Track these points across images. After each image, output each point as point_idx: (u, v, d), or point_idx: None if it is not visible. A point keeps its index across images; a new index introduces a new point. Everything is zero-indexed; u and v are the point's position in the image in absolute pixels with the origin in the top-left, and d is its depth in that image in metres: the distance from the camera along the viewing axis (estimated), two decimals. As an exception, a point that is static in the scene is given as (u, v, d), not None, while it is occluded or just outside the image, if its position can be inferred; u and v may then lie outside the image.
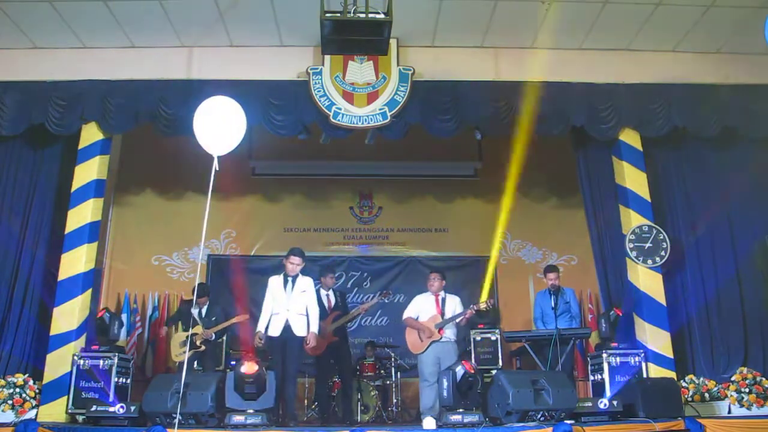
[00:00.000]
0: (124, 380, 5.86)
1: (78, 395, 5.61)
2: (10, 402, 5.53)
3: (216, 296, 7.76)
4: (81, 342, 5.95)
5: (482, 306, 5.87)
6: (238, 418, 4.85)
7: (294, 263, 5.80)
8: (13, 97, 6.36)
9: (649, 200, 6.49)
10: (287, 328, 5.63)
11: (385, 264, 8.83)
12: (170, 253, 8.63)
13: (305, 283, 5.85)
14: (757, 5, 5.92)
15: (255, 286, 7.87)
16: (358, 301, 8.15)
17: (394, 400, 7.21)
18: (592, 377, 6.18)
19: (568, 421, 4.72)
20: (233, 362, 6.18)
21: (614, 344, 6.02)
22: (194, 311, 6.38)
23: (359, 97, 6.42)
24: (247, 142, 8.66)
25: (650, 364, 5.93)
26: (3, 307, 6.15)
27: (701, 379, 6.02)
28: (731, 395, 5.80)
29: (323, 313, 6.74)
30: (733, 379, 5.89)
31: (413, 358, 6.41)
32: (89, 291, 6.16)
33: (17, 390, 5.60)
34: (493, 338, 7.29)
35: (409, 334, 6.01)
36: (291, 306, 5.70)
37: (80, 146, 6.45)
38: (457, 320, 5.89)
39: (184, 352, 6.13)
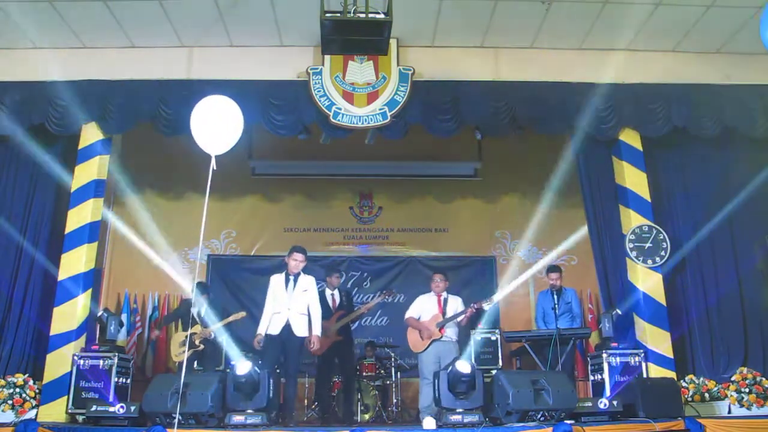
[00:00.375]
0: (124, 380, 5.86)
1: (78, 395, 5.61)
2: (10, 402, 5.53)
3: (216, 296, 7.77)
4: (81, 342, 5.95)
5: (485, 305, 5.89)
6: (238, 418, 4.85)
7: (297, 260, 5.80)
8: (13, 97, 6.36)
9: (649, 200, 6.49)
10: (287, 327, 5.63)
11: (385, 264, 8.83)
12: (170, 253, 8.62)
13: (307, 282, 5.85)
14: (757, 5, 5.91)
15: (255, 286, 7.88)
16: (358, 302, 8.16)
17: (394, 400, 7.21)
18: (592, 377, 6.18)
19: (568, 421, 4.72)
20: (233, 362, 6.18)
21: (614, 344, 6.02)
22: (193, 310, 6.38)
23: (359, 97, 6.42)
24: (247, 142, 8.72)
25: (650, 364, 5.93)
26: (3, 307, 6.15)
27: (701, 379, 6.02)
28: (731, 395, 5.80)
29: (328, 313, 6.76)
30: (733, 379, 5.90)
31: (413, 357, 6.43)
32: (89, 291, 6.16)
33: (17, 390, 5.60)
34: (493, 338, 7.29)
35: (410, 333, 6.05)
36: (292, 305, 5.70)
37: (80, 146, 6.46)
38: (458, 319, 5.90)
39: (184, 352, 6.14)
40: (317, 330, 5.75)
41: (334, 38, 4.87)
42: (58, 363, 5.76)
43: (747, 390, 5.78)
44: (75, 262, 6.11)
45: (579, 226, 7.68)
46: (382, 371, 7.36)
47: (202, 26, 6.36)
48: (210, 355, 6.44)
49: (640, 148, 6.64)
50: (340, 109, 6.37)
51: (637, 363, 5.90)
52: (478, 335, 7.26)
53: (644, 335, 6.09)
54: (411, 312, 6.12)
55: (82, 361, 5.72)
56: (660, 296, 6.22)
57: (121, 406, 5.03)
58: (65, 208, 6.32)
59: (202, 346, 6.29)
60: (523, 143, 7.89)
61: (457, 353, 5.83)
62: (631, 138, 6.65)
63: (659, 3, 6.06)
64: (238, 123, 4.80)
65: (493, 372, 5.81)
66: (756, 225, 6.69)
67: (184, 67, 6.64)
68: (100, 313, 6.12)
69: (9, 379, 5.67)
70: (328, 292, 6.99)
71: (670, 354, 6.00)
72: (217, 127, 4.69)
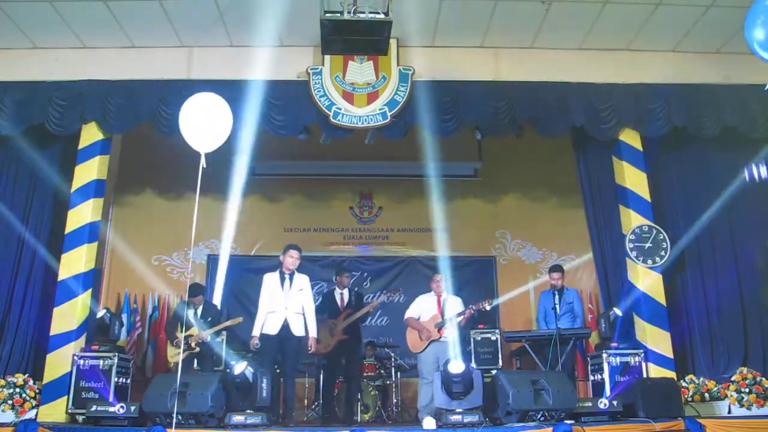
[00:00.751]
0: (124, 380, 5.85)
1: (78, 395, 5.61)
2: (10, 402, 5.53)
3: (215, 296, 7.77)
4: (81, 342, 5.95)
5: (486, 306, 5.89)
6: (238, 418, 4.84)
7: (294, 257, 5.80)
8: (13, 97, 6.36)
9: (649, 200, 6.49)
10: (285, 327, 5.62)
11: (385, 264, 8.83)
12: (170, 253, 8.64)
13: (303, 281, 5.85)
14: (757, 5, 5.91)
15: (255, 287, 7.86)
16: (367, 302, 8.12)
17: (394, 400, 7.22)
18: (592, 377, 6.18)
19: (568, 421, 4.72)
20: (232, 362, 6.19)
21: (614, 344, 6.02)
22: (189, 312, 6.38)
23: (359, 97, 6.42)
24: (246, 142, 8.73)
25: (650, 364, 5.93)
26: (3, 307, 6.15)
27: (701, 379, 6.02)
28: (731, 395, 5.79)
29: (336, 312, 6.77)
30: (733, 379, 5.89)
31: (413, 357, 6.43)
32: (89, 291, 6.16)
33: (17, 390, 5.60)
34: (493, 338, 7.30)
35: (409, 333, 6.06)
36: (289, 304, 5.69)
37: (80, 146, 6.45)
38: (457, 320, 5.89)
39: (178, 353, 6.14)
40: (313, 332, 5.74)
41: (334, 38, 4.87)
42: (58, 363, 5.75)
43: (747, 390, 5.77)
44: (75, 262, 6.10)
45: (579, 226, 7.67)
46: (382, 371, 7.37)
47: (202, 26, 6.36)
48: (209, 356, 6.43)
49: (640, 148, 6.63)
50: (340, 109, 6.37)
51: (637, 363, 5.90)
52: (478, 335, 7.26)
53: (644, 335, 6.09)
54: (410, 312, 6.13)
55: (82, 361, 5.72)
56: (660, 296, 6.21)
57: (121, 406, 5.03)
58: (65, 207, 6.31)
59: (198, 349, 6.29)
60: (523, 143, 7.90)
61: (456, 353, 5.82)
62: (631, 138, 6.64)
63: (659, 3, 6.06)
64: (227, 119, 4.71)
65: (493, 372, 5.82)
66: (756, 225, 6.69)
67: (184, 67, 6.64)
68: (102, 314, 6.09)
69: (9, 379, 5.66)
70: (337, 291, 7.00)
71: (670, 354, 6.00)
72: (206, 124, 4.60)
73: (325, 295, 7.33)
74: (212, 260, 8.68)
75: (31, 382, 5.71)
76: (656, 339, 6.03)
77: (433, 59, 6.65)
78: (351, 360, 6.80)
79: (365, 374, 7.16)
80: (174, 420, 4.48)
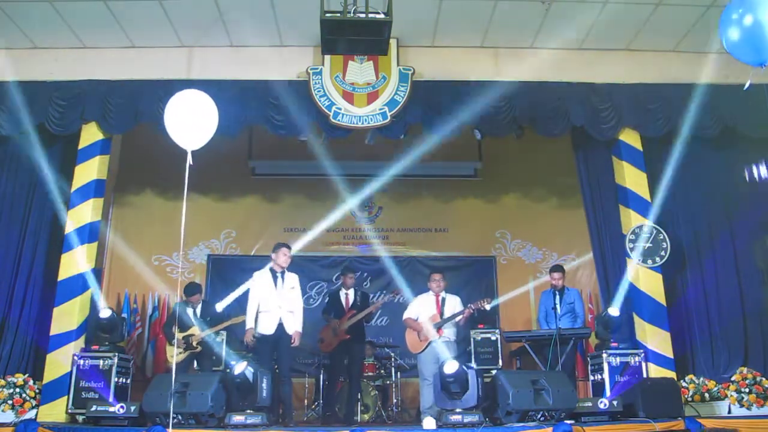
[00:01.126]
0: (124, 380, 5.86)
1: (78, 395, 5.61)
2: (10, 402, 5.53)
3: (215, 296, 7.77)
4: (81, 342, 5.95)
5: (486, 305, 5.87)
6: (237, 418, 4.85)
7: (287, 255, 5.83)
8: (13, 97, 6.35)
9: (649, 200, 6.49)
10: (280, 326, 5.62)
11: (385, 264, 8.81)
12: (170, 253, 8.63)
13: (294, 279, 5.87)
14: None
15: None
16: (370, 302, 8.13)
17: (394, 400, 7.22)
18: (592, 377, 6.18)
19: (568, 421, 4.72)
20: (233, 362, 6.19)
21: (614, 344, 6.02)
22: (189, 311, 6.37)
23: (359, 97, 6.42)
24: (247, 142, 8.73)
25: (650, 364, 5.94)
26: (3, 307, 6.14)
27: (701, 379, 6.01)
28: (731, 395, 5.79)
29: (340, 312, 6.76)
30: (733, 379, 5.89)
31: (413, 357, 6.43)
32: (89, 291, 6.15)
33: (17, 390, 5.60)
34: (493, 338, 7.29)
35: (408, 334, 6.04)
36: (282, 303, 5.69)
37: (80, 146, 6.46)
38: (456, 319, 5.89)
39: (179, 353, 6.13)
40: (299, 327, 5.74)
41: (334, 38, 4.87)
42: (58, 363, 5.75)
43: (747, 390, 5.77)
44: (75, 262, 6.10)
45: (579, 226, 7.67)
46: (382, 371, 7.37)
47: (202, 26, 6.36)
48: (208, 356, 6.43)
49: (640, 148, 6.64)
50: (340, 109, 6.37)
51: (637, 363, 5.90)
52: (478, 335, 7.26)
53: (644, 335, 6.09)
54: (409, 312, 6.09)
55: (82, 361, 5.72)
56: (660, 296, 6.22)
57: (121, 406, 5.03)
58: (65, 208, 6.31)
59: (199, 348, 6.28)
60: (523, 143, 7.90)
61: (456, 353, 5.81)
62: (631, 138, 6.65)
63: (659, 3, 6.05)
64: (213, 116, 4.64)
65: (493, 372, 5.81)
66: (756, 225, 6.69)
67: (184, 67, 6.63)
68: (110, 314, 6.06)
69: (9, 379, 5.67)
70: (342, 291, 7.00)
71: (670, 354, 6.00)
72: (190, 122, 4.55)
73: (330, 296, 7.33)
74: (212, 260, 8.68)
75: (31, 382, 5.71)
76: (656, 339, 6.03)
77: (433, 59, 6.66)
78: (354, 360, 6.80)
79: (365, 374, 7.16)
80: (170, 420, 4.47)
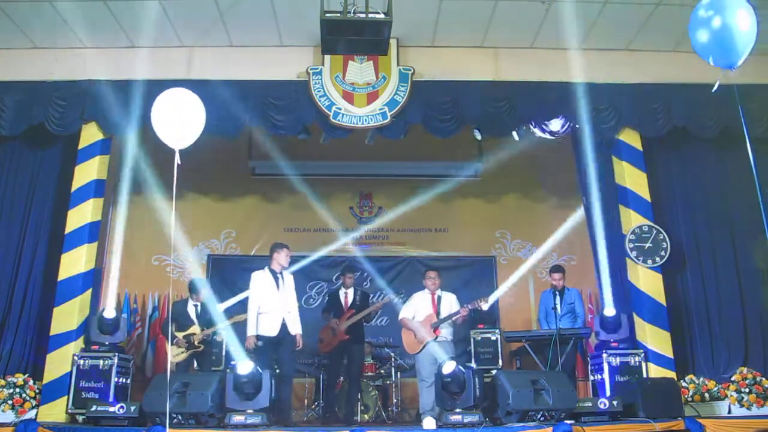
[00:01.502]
0: (124, 380, 5.86)
1: (78, 395, 5.61)
2: (10, 402, 5.53)
3: (215, 296, 7.73)
4: (81, 342, 5.95)
5: (483, 305, 5.85)
6: (238, 418, 4.85)
7: (288, 255, 5.82)
8: (13, 97, 6.36)
9: (649, 200, 6.49)
10: (284, 328, 5.61)
11: (385, 264, 8.82)
12: (170, 253, 8.62)
13: (291, 279, 5.88)
14: (757, 5, 5.90)
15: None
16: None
17: (394, 400, 7.21)
18: (592, 377, 6.18)
19: (568, 421, 4.72)
20: (233, 362, 6.18)
21: (614, 344, 6.02)
22: (191, 310, 6.37)
23: (359, 97, 6.42)
24: (247, 142, 8.72)
25: (650, 364, 5.94)
26: (3, 307, 6.15)
27: (701, 379, 6.01)
28: (731, 395, 5.80)
29: (339, 312, 6.76)
30: (733, 379, 5.89)
31: (412, 357, 6.41)
32: (89, 291, 6.16)
33: (17, 390, 5.60)
34: (493, 338, 7.29)
35: (405, 334, 5.98)
36: (284, 304, 5.68)
37: (80, 146, 6.46)
38: (453, 319, 5.84)
39: (182, 352, 6.13)
40: (299, 328, 5.73)
41: (334, 38, 4.87)
42: (58, 363, 5.76)
43: (747, 390, 5.78)
44: (75, 262, 6.11)
45: (579, 226, 7.67)
46: (382, 371, 7.36)
47: (202, 26, 6.36)
48: (208, 356, 6.42)
49: (640, 148, 6.64)
50: (340, 109, 6.37)
51: (637, 363, 5.91)
52: (478, 335, 7.25)
53: (644, 335, 6.09)
54: (405, 312, 6.01)
55: (82, 361, 5.72)
56: (660, 296, 6.22)
57: (121, 406, 5.03)
58: (65, 207, 6.31)
59: (201, 347, 6.28)
60: (523, 143, 7.88)
61: (453, 353, 5.78)
62: (631, 138, 6.65)
63: (659, 3, 6.06)
64: (200, 115, 4.56)
65: (493, 372, 5.81)
66: (756, 225, 6.67)
67: (184, 67, 6.64)
68: (115, 314, 6.05)
69: (9, 379, 5.67)
70: (341, 291, 6.99)
71: (670, 354, 6.00)
72: (178, 121, 4.50)
73: (330, 295, 7.33)
74: (212, 260, 8.68)
75: (31, 382, 5.71)
76: (656, 339, 6.03)
77: (433, 59, 6.66)
78: (353, 360, 6.80)
79: (365, 374, 7.16)
80: (167, 420, 4.45)
